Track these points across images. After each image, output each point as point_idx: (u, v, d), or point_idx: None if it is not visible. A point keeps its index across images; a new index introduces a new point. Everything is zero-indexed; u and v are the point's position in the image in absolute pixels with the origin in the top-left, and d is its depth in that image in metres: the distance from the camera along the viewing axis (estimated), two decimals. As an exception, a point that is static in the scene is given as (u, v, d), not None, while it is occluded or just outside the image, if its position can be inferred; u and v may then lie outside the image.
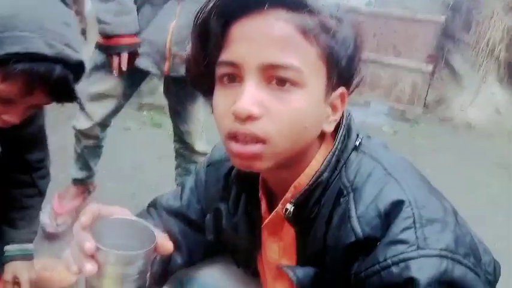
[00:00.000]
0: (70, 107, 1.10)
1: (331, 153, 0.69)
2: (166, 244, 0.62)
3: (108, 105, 1.70)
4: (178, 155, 1.90)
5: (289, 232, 0.74)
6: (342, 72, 0.66)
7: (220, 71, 0.65)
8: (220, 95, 0.66)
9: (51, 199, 1.82)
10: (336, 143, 0.69)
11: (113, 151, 2.03)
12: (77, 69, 0.93)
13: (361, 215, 0.63)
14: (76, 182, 1.89)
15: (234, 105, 0.61)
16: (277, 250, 0.78)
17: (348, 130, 0.72)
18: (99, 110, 1.70)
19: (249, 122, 0.61)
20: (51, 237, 1.76)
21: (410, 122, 4.22)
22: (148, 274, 0.62)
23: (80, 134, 1.76)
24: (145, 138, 2.88)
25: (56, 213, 1.80)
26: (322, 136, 0.71)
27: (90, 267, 0.56)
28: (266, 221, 0.76)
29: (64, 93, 0.94)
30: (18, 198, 1.25)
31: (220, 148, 0.93)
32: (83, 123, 1.73)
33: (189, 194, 0.95)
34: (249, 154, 0.63)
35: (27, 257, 1.29)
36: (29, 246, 1.30)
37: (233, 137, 0.63)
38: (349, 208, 0.65)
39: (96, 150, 1.84)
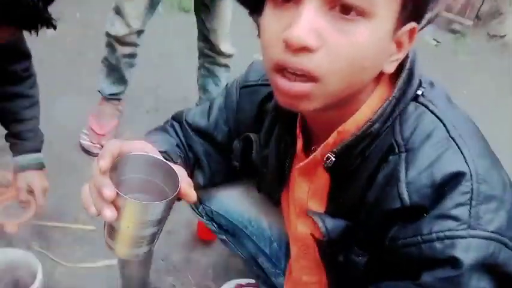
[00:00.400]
0: None
1: (387, 101, 0.60)
2: (189, 192, 0.58)
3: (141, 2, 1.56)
4: (202, 54, 1.79)
5: (323, 176, 0.69)
6: (417, 3, 0.55)
7: None
8: (271, 16, 0.55)
9: (87, 121, 1.78)
10: (395, 90, 0.60)
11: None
12: None
13: (411, 181, 0.57)
14: (110, 98, 1.80)
15: (287, 31, 0.52)
16: (307, 191, 0.74)
17: (410, 75, 0.62)
18: (133, 11, 1.57)
19: (302, 54, 0.52)
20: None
21: (457, 35, 3.90)
22: (166, 219, 0.59)
23: (116, 41, 1.64)
24: (173, 25, 2.73)
25: (97, 134, 1.74)
26: (378, 77, 0.61)
27: (109, 213, 0.53)
28: (301, 164, 0.71)
29: (35, 21, 0.86)
30: (18, 111, 1.22)
31: (257, 69, 0.84)
32: (119, 29, 1.60)
33: (217, 114, 0.88)
34: (297, 93, 0.55)
35: (39, 165, 1.29)
36: (39, 155, 1.30)
37: (281, 69, 0.54)
38: (398, 169, 0.58)
39: (132, 59, 1.73)
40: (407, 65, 0.61)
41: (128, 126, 1.88)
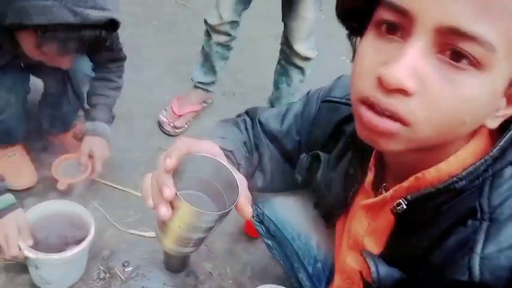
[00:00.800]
0: None
1: (482, 159, 0.53)
2: (246, 209, 0.57)
3: None
4: (281, 50, 1.75)
5: (387, 218, 0.64)
6: None
7: (380, 13, 0.48)
8: (371, 45, 0.50)
9: (170, 101, 1.85)
10: (494, 149, 0.53)
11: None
12: (110, 26, 1.01)
13: (487, 257, 0.50)
14: (198, 86, 1.84)
15: (384, 67, 0.46)
16: (366, 227, 0.69)
17: None
18: (225, 1, 1.58)
19: (397, 96, 0.46)
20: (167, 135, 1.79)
21: None
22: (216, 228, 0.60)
23: (211, 29, 1.68)
24: (266, 10, 2.71)
25: (174, 114, 1.80)
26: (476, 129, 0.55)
27: (164, 211, 0.53)
28: (368, 201, 0.67)
29: (98, 48, 1.10)
30: (102, 89, 1.43)
31: (344, 85, 0.80)
32: (213, 19, 1.64)
33: (291, 121, 0.86)
34: (382, 130, 0.49)
35: (104, 135, 1.42)
36: (107, 127, 1.44)
37: (368, 104, 0.49)
38: (475, 239, 0.51)
39: (225, 50, 1.74)
40: None
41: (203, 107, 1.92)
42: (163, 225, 0.58)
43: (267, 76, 1.89)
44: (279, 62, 1.77)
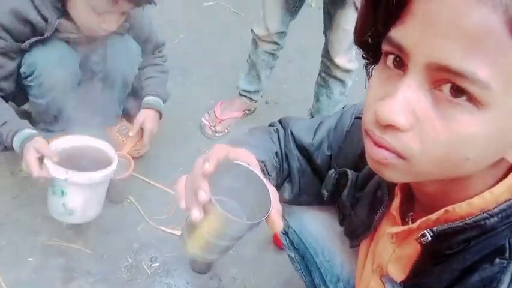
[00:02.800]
0: None
1: None
2: (276, 222, 0.57)
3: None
4: (321, 62, 1.74)
5: (413, 246, 0.61)
6: None
7: (385, 47, 0.47)
8: (377, 76, 0.49)
9: (214, 105, 1.90)
10: None
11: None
12: None
13: None
14: (243, 94, 1.88)
15: (380, 103, 0.45)
16: (391, 253, 0.67)
17: None
18: (270, 12, 1.59)
19: (390, 131, 0.46)
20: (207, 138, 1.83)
21: None
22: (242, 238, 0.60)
23: (258, 39, 1.71)
24: (317, 21, 2.71)
25: (216, 118, 1.84)
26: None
27: (197, 214, 0.54)
28: (395, 229, 0.64)
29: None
30: (151, 72, 1.56)
31: None
32: (260, 30, 1.67)
33: (323, 135, 0.85)
34: (380, 161, 0.49)
35: (159, 109, 1.52)
36: (161, 102, 1.53)
37: (370, 135, 0.49)
38: (500, 279, 0.49)
39: (270, 59, 1.76)
40: None
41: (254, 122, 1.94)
42: (191, 228, 0.59)
43: (312, 88, 1.89)
44: (319, 74, 1.77)
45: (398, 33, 0.44)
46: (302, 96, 2.09)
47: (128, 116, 1.63)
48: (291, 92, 2.16)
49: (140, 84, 1.56)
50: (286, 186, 0.88)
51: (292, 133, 0.88)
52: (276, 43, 1.70)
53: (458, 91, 0.42)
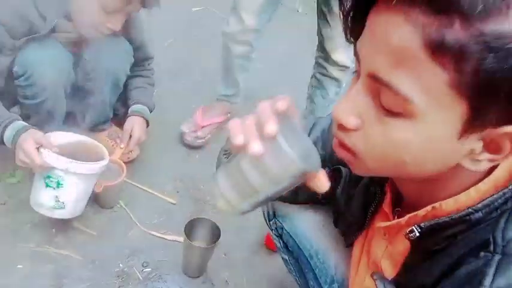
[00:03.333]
0: None
1: (501, 192, 0.52)
2: (323, 180, 0.56)
3: None
4: (316, 63, 1.74)
5: (403, 243, 0.63)
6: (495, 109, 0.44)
7: (355, 55, 0.53)
8: (351, 80, 0.56)
9: (194, 111, 1.84)
10: None
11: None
12: None
13: None
14: (221, 98, 1.84)
15: (336, 104, 0.53)
16: (384, 249, 0.68)
17: None
18: (248, 5, 1.52)
19: (344, 131, 0.52)
20: (187, 147, 1.77)
21: None
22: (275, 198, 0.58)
23: (230, 40, 1.63)
24: (305, 25, 2.74)
25: (196, 124, 1.78)
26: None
27: (258, 147, 0.49)
28: (383, 224, 0.66)
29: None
30: (138, 83, 1.59)
31: None
32: (234, 25, 1.57)
33: (318, 135, 0.86)
34: (340, 156, 0.56)
35: (146, 116, 1.54)
36: (147, 110, 1.56)
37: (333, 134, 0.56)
38: (485, 272, 0.50)
39: (245, 62, 1.70)
40: None
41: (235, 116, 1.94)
42: (235, 168, 0.54)
43: (303, 91, 1.91)
44: (313, 76, 1.77)
45: (358, 44, 0.51)
46: (296, 97, 2.10)
47: (117, 121, 1.62)
48: (287, 94, 2.17)
49: (128, 93, 1.57)
50: None
51: None
52: (250, 44, 1.62)
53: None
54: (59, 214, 1.23)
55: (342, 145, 0.54)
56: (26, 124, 1.21)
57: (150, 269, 1.31)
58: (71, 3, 1.24)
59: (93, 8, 1.23)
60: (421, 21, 0.42)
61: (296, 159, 0.50)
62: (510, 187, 0.51)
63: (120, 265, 1.31)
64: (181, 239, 1.35)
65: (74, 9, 1.26)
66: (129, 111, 1.54)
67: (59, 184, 1.18)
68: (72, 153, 1.23)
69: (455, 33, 0.41)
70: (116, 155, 1.47)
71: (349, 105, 0.51)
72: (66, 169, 1.16)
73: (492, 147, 0.48)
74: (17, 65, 1.27)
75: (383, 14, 0.46)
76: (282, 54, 2.38)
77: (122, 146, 1.49)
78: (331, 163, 0.82)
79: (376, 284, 0.63)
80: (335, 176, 0.80)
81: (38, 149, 1.15)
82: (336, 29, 1.57)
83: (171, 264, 1.34)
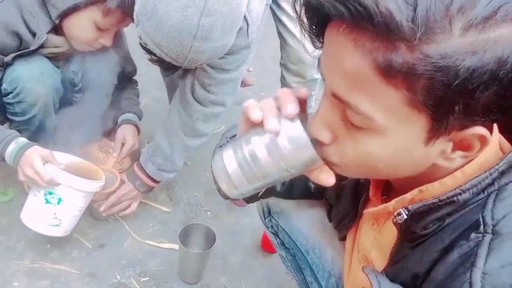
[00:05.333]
0: None
1: (487, 172, 0.52)
2: (330, 173, 0.57)
3: None
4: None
5: (392, 231, 0.63)
6: (472, 113, 0.47)
7: None
8: None
9: None
10: (501, 162, 0.53)
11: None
12: None
13: (488, 272, 0.48)
14: None
15: (310, 120, 0.56)
16: (373, 239, 0.69)
17: None
18: None
19: (318, 144, 0.55)
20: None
21: None
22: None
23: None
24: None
25: None
26: (482, 141, 0.55)
27: (275, 124, 0.51)
28: (370, 210, 0.66)
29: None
30: (128, 93, 1.62)
31: None
32: None
33: None
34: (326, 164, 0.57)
35: (134, 122, 1.56)
36: (136, 118, 1.57)
37: None
38: (477, 253, 0.50)
39: None
40: None
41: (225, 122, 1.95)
42: (245, 146, 0.53)
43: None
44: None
45: (321, 59, 0.52)
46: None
47: (107, 133, 1.62)
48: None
49: (117, 104, 1.57)
50: None
51: None
52: None
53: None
54: (52, 231, 1.23)
55: (326, 159, 0.56)
56: (29, 141, 1.21)
57: (147, 278, 1.31)
58: (65, 19, 1.24)
59: (88, 24, 1.24)
60: (369, 47, 0.44)
61: (311, 145, 0.51)
62: (496, 167, 0.52)
63: (117, 276, 1.30)
64: (177, 246, 1.35)
65: (67, 25, 1.26)
66: (119, 121, 1.54)
67: (60, 200, 1.18)
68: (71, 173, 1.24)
69: (402, 56, 0.43)
70: (109, 164, 1.47)
71: (321, 121, 0.53)
72: (70, 185, 1.17)
73: (463, 145, 0.50)
74: (5, 83, 1.27)
75: (335, 38, 0.47)
76: (269, 59, 2.40)
77: (115, 154, 1.49)
78: None
79: (369, 278, 0.63)
80: None
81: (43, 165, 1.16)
82: (290, 45, 1.62)
83: (168, 272, 1.34)
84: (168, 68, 1.15)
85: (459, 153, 0.51)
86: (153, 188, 1.46)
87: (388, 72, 0.44)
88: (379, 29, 0.42)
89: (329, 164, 0.57)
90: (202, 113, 1.35)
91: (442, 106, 0.45)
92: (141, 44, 1.10)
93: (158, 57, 1.08)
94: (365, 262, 0.71)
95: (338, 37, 0.47)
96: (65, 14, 1.21)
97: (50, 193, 1.18)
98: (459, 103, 0.45)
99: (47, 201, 1.18)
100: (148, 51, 1.09)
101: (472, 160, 0.54)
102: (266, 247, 1.44)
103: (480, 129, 0.48)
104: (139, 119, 1.60)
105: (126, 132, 1.50)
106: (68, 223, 1.23)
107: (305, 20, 0.51)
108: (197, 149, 1.77)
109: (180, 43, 1.02)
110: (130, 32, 1.36)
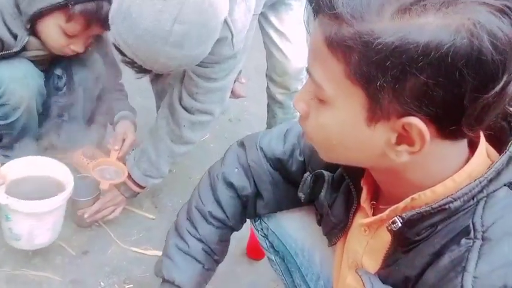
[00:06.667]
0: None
1: (477, 181, 0.54)
2: None
3: None
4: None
5: (385, 236, 0.64)
6: (401, 98, 0.50)
7: None
8: None
9: None
10: (489, 171, 0.54)
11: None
12: None
13: (479, 276, 0.50)
14: None
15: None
16: (365, 245, 0.70)
17: (510, 159, 0.56)
18: None
19: (300, 120, 0.63)
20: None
21: None
22: None
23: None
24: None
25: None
26: (472, 146, 0.58)
27: None
28: (366, 220, 0.68)
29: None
30: (117, 95, 1.61)
31: None
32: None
33: (294, 141, 0.88)
34: (309, 143, 0.68)
35: (132, 118, 1.56)
36: (133, 115, 1.57)
37: None
38: (468, 258, 0.52)
39: None
40: (511, 148, 0.55)
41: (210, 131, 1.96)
42: None
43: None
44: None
45: None
46: (263, 112, 2.13)
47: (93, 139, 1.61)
48: (253, 109, 2.21)
49: (109, 105, 1.56)
50: (260, 203, 0.94)
51: (262, 148, 0.91)
52: None
53: None
54: (18, 245, 1.21)
55: (305, 133, 0.64)
56: None
57: (132, 285, 1.30)
58: (36, 23, 1.25)
59: (55, 30, 1.25)
60: (324, 22, 0.53)
61: None
62: (485, 176, 0.54)
63: (101, 283, 1.29)
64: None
65: (39, 29, 1.26)
66: (115, 119, 1.53)
67: (7, 217, 1.15)
68: (35, 185, 1.23)
69: (342, 32, 0.51)
70: (113, 157, 1.45)
71: (301, 95, 0.61)
72: (6, 205, 1.12)
73: (407, 140, 0.53)
74: None
75: (315, 19, 0.55)
76: (253, 70, 2.42)
77: (116, 147, 1.46)
78: (312, 167, 0.84)
79: (362, 279, 0.64)
80: (318, 180, 0.81)
81: None
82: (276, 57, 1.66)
83: (153, 280, 1.31)
84: (139, 71, 1.15)
85: (404, 147, 0.54)
86: (138, 193, 1.45)
87: (331, 44, 0.52)
88: (328, 10, 0.51)
89: (309, 140, 0.64)
90: (189, 121, 1.35)
91: (370, 81, 0.51)
92: (114, 44, 1.10)
93: (130, 59, 1.09)
94: (355, 268, 0.72)
95: (314, 22, 0.56)
96: (35, 19, 1.22)
97: (0, 209, 1.15)
98: (382, 80, 0.49)
99: (2, 215, 1.16)
100: (121, 52, 1.09)
101: (461, 169, 0.56)
102: (252, 254, 1.44)
103: (417, 121, 0.51)
104: (132, 113, 1.59)
105: (126, 128, 1.49)
106: (27, 239, 1.19)
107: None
108: (183, 157, 1.78)
109: (152, 47, 1.02)
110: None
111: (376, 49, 0.48)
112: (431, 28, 0.46)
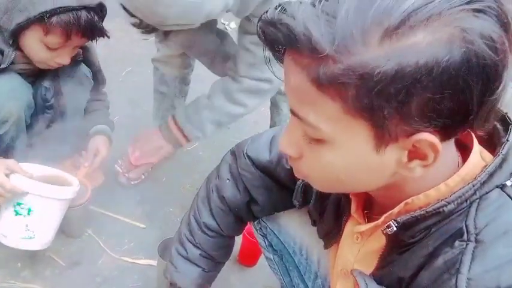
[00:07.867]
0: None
1: (470, 184, 0.55)
2: None
3: None
4: None
5: (378, 240, 0.65)
6: (409, 118, 0.49)
7: None
8: None
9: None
10: (482, 174, 0.55)
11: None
12: (99, 9, 1.22)
13: (473, 278, 0.51)
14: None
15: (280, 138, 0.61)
16: (356, 253, 0.70)
17: (503, 161, 0.56)
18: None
19: (290, 159, 0.61)
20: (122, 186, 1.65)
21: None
22: None
23: (163, 63, 1.70)
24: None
25: (129, 164, 1.63)
26: (463, 150, 0.59)
27: None
28: (362, 227, 0.68)
29: (94, 32, 1.24)
30: (98, 106, 1.58)
31: None
32: (164, 50, 1.67)
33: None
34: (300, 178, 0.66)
35: (108, 134, 1.54)
36: (109, 130, 1.55)
37: None
38: (462, 260, 0.53)
39: (183, 85, 1.76)
40: (504, 150, 0.56)
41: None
42: None
43: (261, 111, 1.97)
44: None
45: None
46: (252, 119, 2.15)
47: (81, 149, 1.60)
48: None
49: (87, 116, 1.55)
50: (256, 208, 0.94)
51: (249, 156, 0.92)
52: (185, 66, 1.70)
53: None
54: (26, 245, 1.18)
55: (297, 172, 0.61)
56: None
57: (124, 295, 1.29)
58: (18, 38, 1.23)
59: (36, 43, 1.23)
60: (303, 63, 0.49)
61: None
62: (478, 179, 0.55)
63: (93, 294, 1.27)
64: (154, 262, 1.33)
65: (22, 44, 1.25)
66: (90, 133, 1.51)
67: (29, 211, 1.14)
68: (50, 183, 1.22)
69: (331, 70, 0.47)
70: (80, 175, 1.43)
71: (288, 138, 0.58)
72: (39, 193, 1.14)
73: (418, 154, 0.52)
74: None
75: (286, 61, 0.52)
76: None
77: (86, 164, 1.45)
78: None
79: (356, 280, 0.64)
80: (307, 190, 0.83)
81: (7, 176, 1.12)
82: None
83: (146, 289, 1.32)
84: (146, 31, 1.20)
85: (417, 162, 0.53)
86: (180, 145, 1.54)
87: (321, 84, 0.48)
88: (306, 48, 0.47)
89: (303, 177, 0.62)
90: (248, 85, 1.40)
91: (373, 112, 0.48)
92: (121, 4, 1.15)
93: (136, 17, 1.13)
94: (345, 275, 0.72)
95: (286, 60, 0.52)
96: (15, 34, 1.21)
97: (19, 204, 1.14)
98: (388, 108, 0.47)
99: (17, 213, 1.15)
100: (126, 10, 1.14)
101: (455, 173, 0.57)
102: (243, 261, 1.44)
103: (427, 136, 0.49)
104: (112, 130, 1.57)
105: (99, 143, 1.48)
106: (42, 235, 1.19)
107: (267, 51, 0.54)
108: (172, 165, 1.78)
109: None
110: (101, 43, 1.36)
111: (375, 79, 0.46)
112: (424, 46, 0.45)
